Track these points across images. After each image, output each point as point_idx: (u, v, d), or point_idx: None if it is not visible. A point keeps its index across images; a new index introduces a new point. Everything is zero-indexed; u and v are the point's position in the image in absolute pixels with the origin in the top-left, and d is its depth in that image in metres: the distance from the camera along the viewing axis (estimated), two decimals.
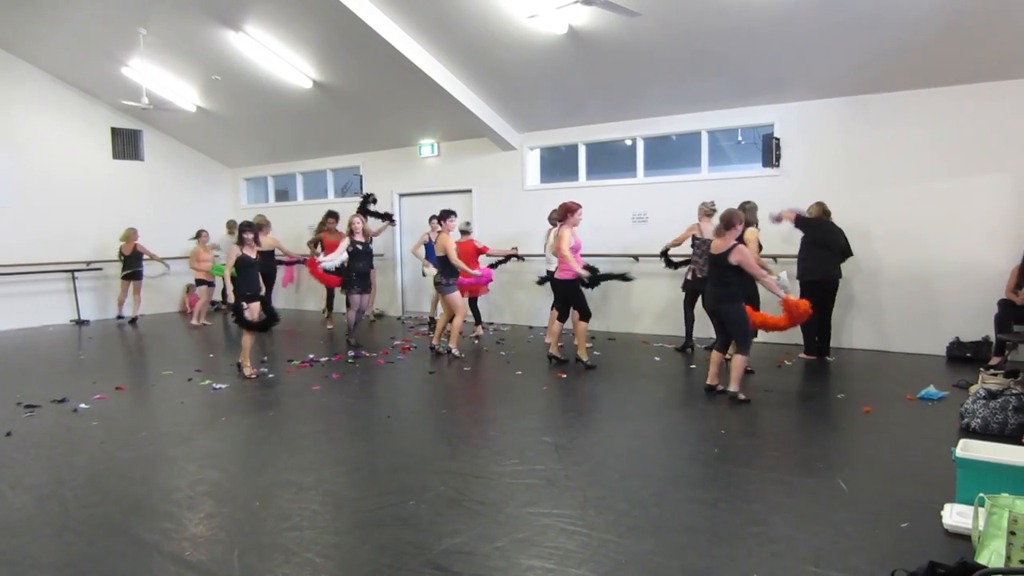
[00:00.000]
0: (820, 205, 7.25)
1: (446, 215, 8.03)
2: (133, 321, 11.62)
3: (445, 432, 5.20)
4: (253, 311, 7.00)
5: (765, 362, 7.20)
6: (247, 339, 7.03)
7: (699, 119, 8.81)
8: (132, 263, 11.44)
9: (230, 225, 12.09)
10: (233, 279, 6.89)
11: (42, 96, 11.38)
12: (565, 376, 6.81)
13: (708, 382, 5.92)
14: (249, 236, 7.02)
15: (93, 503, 3.83)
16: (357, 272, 8.56)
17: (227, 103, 11.32)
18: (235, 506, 3.75)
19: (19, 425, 5.40)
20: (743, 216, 5.82)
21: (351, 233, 8.55)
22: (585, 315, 7.12)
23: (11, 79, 10.96)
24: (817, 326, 7.22)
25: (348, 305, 8.80)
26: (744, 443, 4.70)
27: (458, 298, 7.90)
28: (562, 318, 7.32)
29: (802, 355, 7.41)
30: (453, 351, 7.82)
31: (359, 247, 8.50)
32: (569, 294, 7.13)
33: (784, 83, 7.79)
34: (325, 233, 10.40)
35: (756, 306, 6.40)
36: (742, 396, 5.64)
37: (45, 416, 5.69)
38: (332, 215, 10.58)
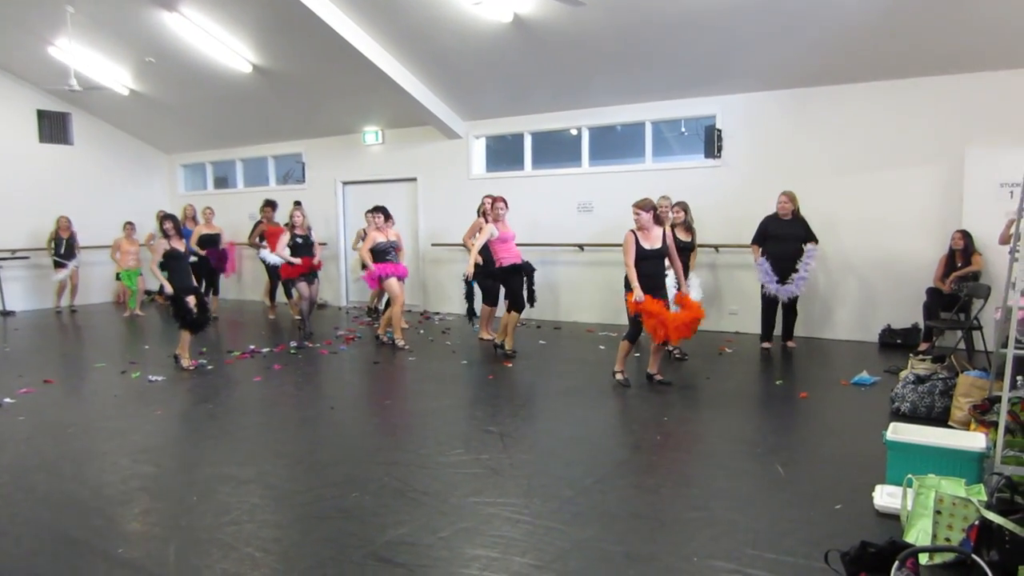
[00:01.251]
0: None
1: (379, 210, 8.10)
2: (74, 311, 11.25)
3: (389, 423, 5.16)
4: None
5: (706, 349, 7.35)
6: (185, 330, 6.82)
7: (643, 110, 8.90)
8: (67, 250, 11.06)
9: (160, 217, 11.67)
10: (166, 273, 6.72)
11: None
12: (511, 366, 6.81)
13: (648, 370, 5.99)
14: (169, 227, 6.82)
15: (17, 501, 3.67)
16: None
17: (162, 86, 10.92)
18: (171, 501, 3.64)
19: None
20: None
21: (292, 227, 8.37)
22: (520, 305, 7.21)
23: None
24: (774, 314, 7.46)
25: (295, 296, 8.63)
26: (686, 430, 4.79)
27: (394, 285, 7.83)
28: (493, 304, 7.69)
29: (762, 344, 7.53)
30: (397, 341, 7.74)
31: (299, 240, 8.34)
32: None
33: (726, 75, 7.92)
34: (264, 223, 10.14)
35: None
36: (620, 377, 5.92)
37: None
38: (270, 204, 10.30)
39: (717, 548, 3.01)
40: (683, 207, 7.20)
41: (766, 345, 7.47)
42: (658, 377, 5.89)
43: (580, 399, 5.63)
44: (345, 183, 11.80)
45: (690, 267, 7.10)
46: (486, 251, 7.33)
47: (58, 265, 11.10)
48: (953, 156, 7.09)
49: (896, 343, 7.35)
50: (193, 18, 8.62)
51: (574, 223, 9.37)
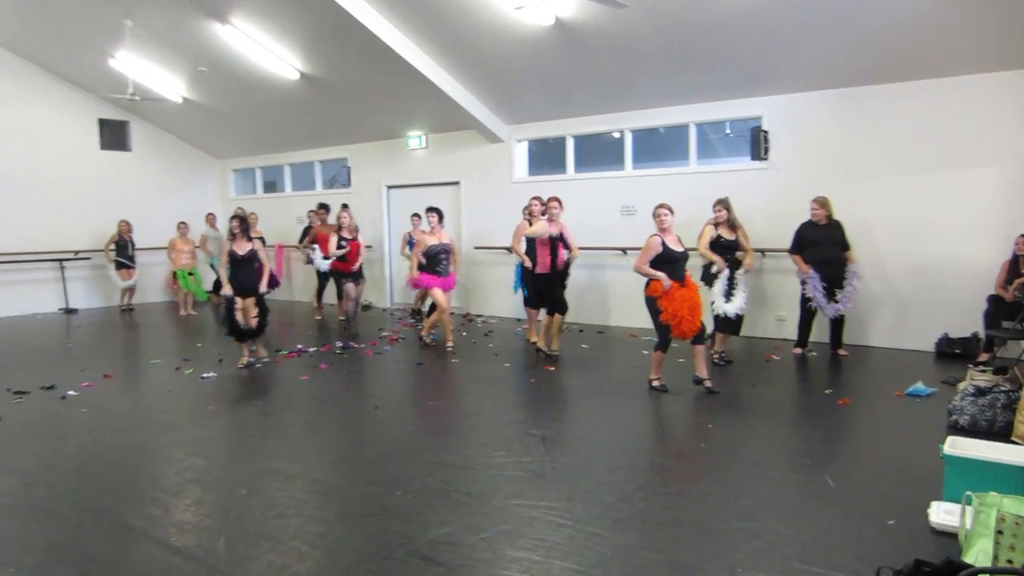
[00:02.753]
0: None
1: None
2: (131, 310, 11.63)
3: (432, 423, 5.20)
4: (246, 309, 6.93)
5: (753, 356, 7.24)
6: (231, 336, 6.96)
7: (687, 112, 8.80)
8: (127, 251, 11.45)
9: (209, 219, 11.99)
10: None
11: (31, 88, 11.35)
12: (553, 369, 6.81)
13: (696, 374, 5.91)
14: (234, 225, 6.98)
15: (80, 488, 3.83)
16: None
17: (215, 94, 11.24)
18: (222, 493, 3.75)
19: (8, 411, 5.39)
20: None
21: (339, 228, 8.48)
22: (562, 308, 7.18)
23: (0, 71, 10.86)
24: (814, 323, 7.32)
25: (342, 296, 8.74)
26: (731, 438, 4.72)
27: (439, 295, 7.88)
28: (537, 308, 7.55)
29: (795, 350, 7.42)
30: (446, 344, 7.81)
31: (344, 243, 8.44)
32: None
33: (773, 75, 7.78)
34: (317, 227, 10.30)
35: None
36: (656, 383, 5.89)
37: (34, 403, 5.67)
38: (322, 207, 10.46)
39: (762, 560, 2.96)
40: (725, 204, 6.97)
41: (798, 351, 7.33)
42: (707, 384, 5.76)
43: (623, 404, 5.60)
44: (389, 187, 11.95)
45: (743, 265, 6.93)
46: (531, 252, 7.29)
47: (120, 267, 11.46)
48: (1017, 156, 6.82)
49: (954, 353, 7.08)
50: (243, 28, 8.85)
51: (617, 226, 9.31)
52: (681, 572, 2.87)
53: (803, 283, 7.15)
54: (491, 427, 4.99)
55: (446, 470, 4.06)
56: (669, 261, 5.68)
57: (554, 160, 10.38)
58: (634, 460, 4.29)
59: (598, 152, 10.21)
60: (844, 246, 7.12)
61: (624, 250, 9.16)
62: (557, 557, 2.99)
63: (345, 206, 8.82)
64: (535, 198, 7.74)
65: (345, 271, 8.52)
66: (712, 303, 6.80)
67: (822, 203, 7.12)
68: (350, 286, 8.56)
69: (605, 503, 3.56)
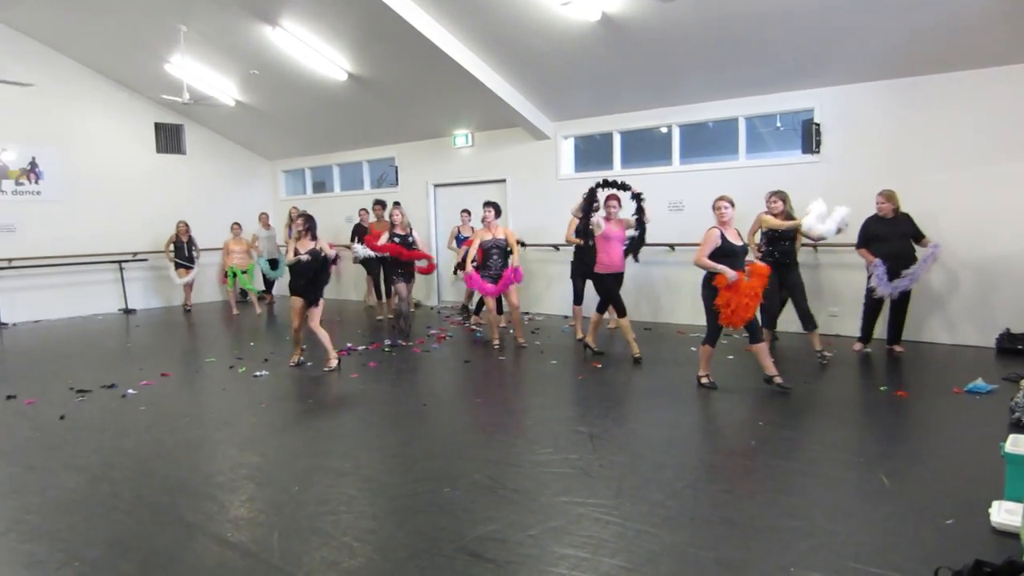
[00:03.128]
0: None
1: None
2: (189, 310, 11.97)
3: (480, 420, 5.24)
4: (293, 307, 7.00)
5: (804, 352, 7.09)
6: (321, 332, 6.99)
7: (736, 105, 8.66)
8: (185, 252, 11.77)
9: (262, 218, 12.25)
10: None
11: (89, 93, 11.73)
12: (600, 366, 6.78)
13: (766, 373, 5.72)
14: (299, 223, 7.12)
15: (140, 484, 3.96)
16: (395, 263, 8.58)
17: (265, 97, 11.48)
18: (275, 490, 3.83)
19: (72, 409, 5.59)
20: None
21: (392, 226, 8.54)
22: (619, 310, 7.03)
23: (60, 77, 11.30)
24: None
25: (390, 294, 8.81)
26: (782, 435, 4.63)
27: (511, 295, 7.85)
28: (601, 309, 7.25)
29: (856, 346, 7.22)
30: (518, 341, 7.85)
31: (396, 239, 8.49)
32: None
33: (825, 67, 7.60)
34: (372, 224, 10.37)
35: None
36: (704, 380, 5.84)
37: (96, 401, 5.88)
38: (379, 203, 10.49)
39: (816, 560, 2.90)
40: (781, 196, 6.84)
41: (858, 347, 7.14)
42: (777, 380, 5.60)
43: (670, 401, 5.55)
44: (436, 185, 12.05)
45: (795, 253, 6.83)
46: (589, 249, 7.16)
47: (179, 267, 11.79)
48: None
49: (1016, 349, 6.83)
50: (292, 31, 9.01)
51: (665, 222, 9.21)
52: (732, 570, 2.84)
53: (870, 276, 6.90)
54: (538, 424, 5.00)
55: (494, 467, 4.08)
56: (728, 255, 5.58)
57: (601, 156, 10.32)
58: (682, 457, 4.25)
59: (645, 147, 10.11)
60: (916, 237, 6.84)
61: (672, 246, 9.07)
62: (605, 554, 2.98)
63: (397, 204, 8.89)
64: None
65: (406, 260, 8.46)
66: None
67: (888, 196, 6.86)
68: (401, 285, 8.57)
69: (653, 500, 3.54)
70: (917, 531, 3.15)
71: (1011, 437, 3.46)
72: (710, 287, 5.67)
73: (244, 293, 12.15)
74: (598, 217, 7.05)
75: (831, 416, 5.07)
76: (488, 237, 7.86)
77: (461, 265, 8.56)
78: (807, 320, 6.75)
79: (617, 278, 7.09)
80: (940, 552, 2.90)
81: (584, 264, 7.47)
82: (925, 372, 6.41)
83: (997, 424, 4.63)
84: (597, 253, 7.01)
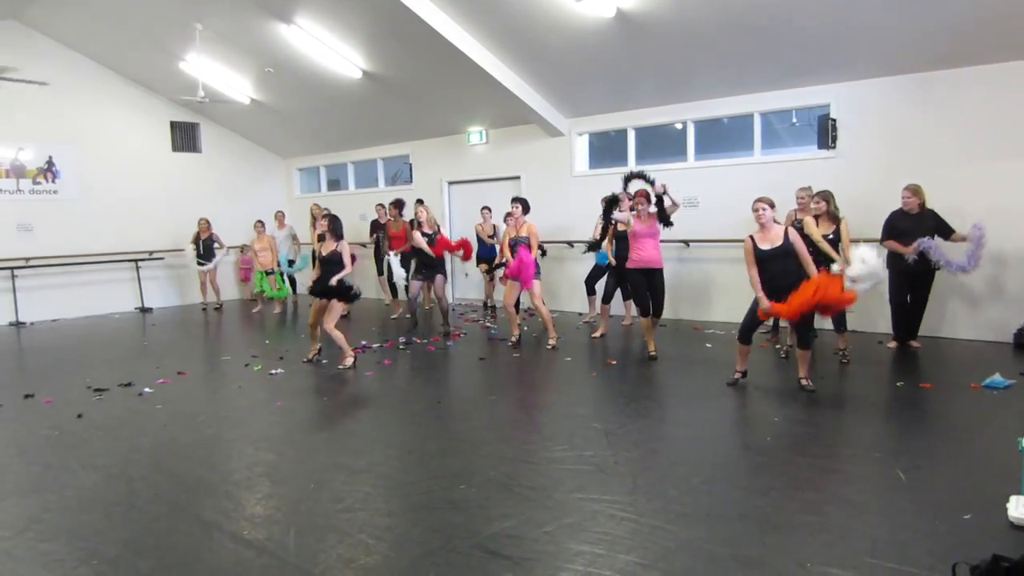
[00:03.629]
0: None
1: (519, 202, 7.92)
2: (218, 308, 11.98)
3: (495, 417, 5.24)
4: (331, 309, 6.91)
5: (820, 348, 7.04)
6: (336, 333, 6.92)
7: (751, 101, 8.60)
8: (206, 250, 11.77)
9: (278, 216, 12.29)
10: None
11: (107, 92, 11.84)
12: (615, 363, 6.77)
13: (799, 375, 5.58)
14: (322, 224, 7.03)
15: (157, 483, 3.99)
16: (422, 261, 8.44)
17: (280, 95, 11.54)
18: (290, 487, 3.86)
19: (89, 408, 5.64)
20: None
21: (419, 224, 8.45)
22: (644, 310, 6.92)
23: (77, 76, 11.41)
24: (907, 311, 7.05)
25: (404, 293, 8.81)
26: (798, 431, 4.61)
27: (535, 289, 7.74)
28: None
29: (891, 344, 7.15)
30: (549, 340, 7.72)
31: (425, 236, 8.43)
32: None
33: (840, 61, 7.53)
34: (389, 223, 10.24)
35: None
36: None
37: (113, 399, 5.94)
38: (395, 203, 10.29)
39: (832, 555, 2.89)
40: (824, 196, 6.55)
41: (893, 344, 7.07)
42: (803, 382, 5.47)
43: (685, 397, 5.54)
44: (451, 183, 12.07)
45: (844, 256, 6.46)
46: (624, 246, 7.10)
47: (199, 263, 11.83)
48: None
49: None
50: (308, 28, 9.04)
51: (679, 218, 9.14)
52: (748, 566, 2.83)
53: (920, 257, 6.60)
54: (553, 421, 5.00)
55: (508, 464, 4.09)
56: (764, 260, 5.38)
57: (615, 153, 10.29)
58: (697, 453, 4.23)
59: (660, 144, 10.07)
60: (944, 233, 6.70)
61: (687, 242, 9.03)
62: (621, 551, 2.98)
63: (420, 201, 8.83)
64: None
65: (437, 257, 8.34)
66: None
67: (914, 191, 6.73)
68: (416, 283, 8.57)
69: (668, 496, 3.53)
70: (934, 526, 3.13)
71: None
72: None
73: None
74: (626, 215, 6.99)
75: (847, 412, 5.04)
76: (513, 234, 7.82)
77: (496, 266, 8.63)
78: (839, 323, 6.56)
79: (649, 274, 6.89)
80: (957, 547, 2.88)
81: (619, 261, 7.39)
82: (943, 368, 6.36)
83: (1015, 419, 4.59)
84: (629, 250, 6.96)
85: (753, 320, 5.59)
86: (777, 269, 5.36)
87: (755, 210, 5.47)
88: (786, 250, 5.38)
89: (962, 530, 3.08)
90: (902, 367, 6.40)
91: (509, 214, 8.02)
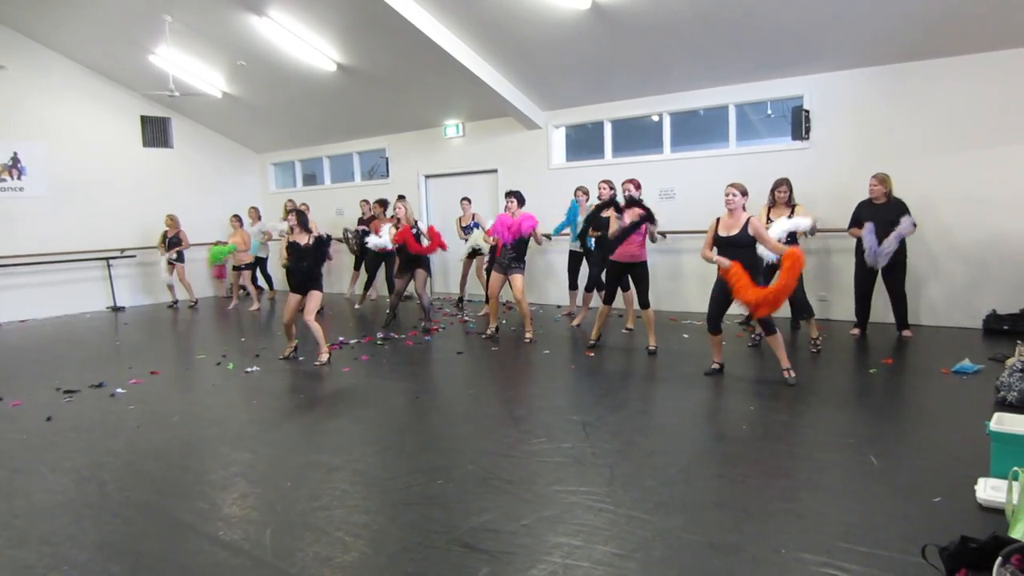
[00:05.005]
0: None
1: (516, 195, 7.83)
2: (192, 305, 11.87)
3: (473, 412, 5.23)
4: (289, 303, 6.95)
5: (794, 337, 7.11)
6: (315, 326, 6.88)
7: (726, 93, 8.66)
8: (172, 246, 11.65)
9: (251, 213, 12.14)
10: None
11: (74, 86, 11.59)
12: (592, 355, 6.79)
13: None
14: (292, 220, 6.96)
15: (130, 484, 3.93)
16: (405, 257, 8.46)
17: (253, 88, 11.40)
18: (266, 486, 3.82)
19: (58, 409, 5.55)
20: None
21: (397, 221, 8.43)
22: (609, 299, 6.97)
23: (44, 70, 11.17)
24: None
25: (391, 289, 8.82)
26: (773, 419, 4.66)
27: (517, 281, 7.73)
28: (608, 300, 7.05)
29: (853, 331, 7.26)
30: (526, 335, 7.72)
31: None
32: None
33: (814, 54, 7.60)
34: (375, 221, 10.40)
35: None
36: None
37: (83, 401, 5.84)
38: (379, 202, 10.54)
39: (806, 540, 2.93)
40: (786, 184, 6.78)
41: (854, 332, 7.17)
42: (785, 375, 5.46)
43: (662, 388, 5.57)
44: (427, 176, 12.02)
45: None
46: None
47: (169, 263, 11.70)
48: None
49: (1002, 329, 6.91)
50: (280, 21, 8.94)
51: (656, 210, 9.18)
52: (724, 554, 2.85)
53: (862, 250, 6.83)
54: (531, 414, 5.00)
55: (487, 458, 4.08)
56: (720, 245, 5.53)
57: (592, 145, 10.31)
58: (674, 444, 4.26)
59: (636, 136, 10.10)
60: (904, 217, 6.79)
61: (663, 234, 9.04)
62: (599, 541, 2.99)
63: (401, 197, 8.86)
64: (603, 181, 7.73)
65: (414, 253, 8.38)
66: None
67: (881, 179, 6.84)
68: (399, 280, 8.60)
69: (646, 487, 3.55)
70: (905, 509, 3.18)
71: (996, 415, 3.56)
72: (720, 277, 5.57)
73: (243, 287, 12.02)
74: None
75: (820, 399, 5.09)
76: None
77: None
78: (803, 308, 6.67)
79: (631, 267, 6.90)
80: (927, 529, 2.93)
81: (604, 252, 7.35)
82: (915, 354, 6.45)
83: (983, 403, 4.69)
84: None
85: (717, 307, 5.66)
86: (731, 257, 5.42)
87: (725, 194, 5.54)
88: (743, 241, 5.46)
89: (932, 513, 3.13)
90: (874, 354, 6.48)
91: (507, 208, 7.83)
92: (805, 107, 8.01)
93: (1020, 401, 4.56)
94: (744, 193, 5.53)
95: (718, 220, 5.61)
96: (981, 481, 3.26)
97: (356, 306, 10.65)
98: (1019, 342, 5.59)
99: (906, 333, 7.07)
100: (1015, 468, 2.95)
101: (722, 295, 5.61)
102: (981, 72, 7.01)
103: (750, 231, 5.44)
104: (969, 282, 7.30)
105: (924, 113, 7.37)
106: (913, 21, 6.72)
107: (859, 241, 6.96)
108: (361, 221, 11.14)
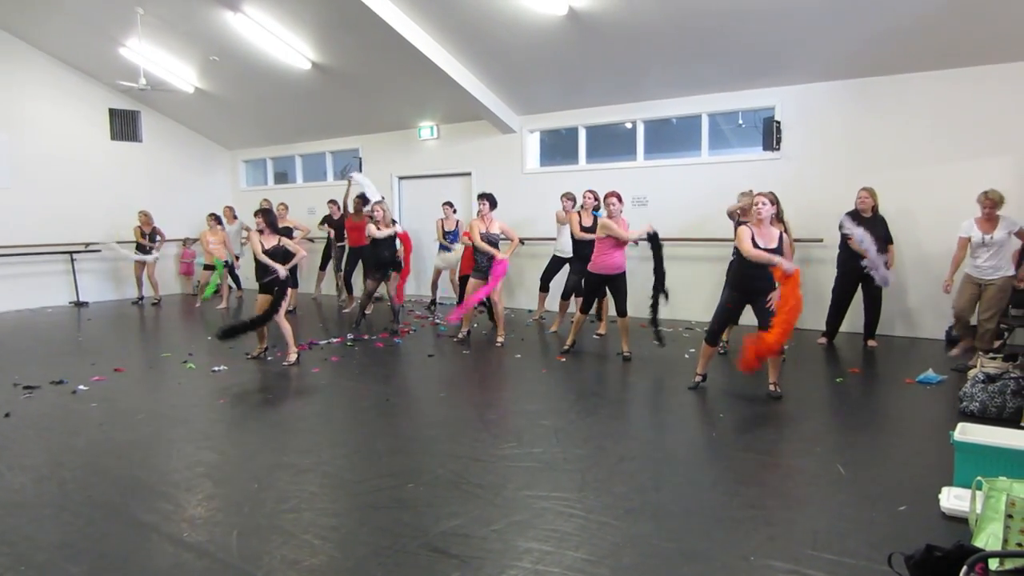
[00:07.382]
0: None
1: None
2: (156, 303, 11.65)
3: (444, 415, 5.20)
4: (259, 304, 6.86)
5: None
6: (285, 325, 6.81)
7: (700, 102, 8.75)
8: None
9: (227, 212, 11.94)
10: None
11: (41, 77, 11.30)
12: (564, 360, 6.80)
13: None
14: (259, 221, 6.84)
15: (91, 484, 3.83)
16: (377, 259, 8.43)
17: (225, 84, 11.24)
18: (233, 488, 3.75)
19: (18, 406, 5.40)
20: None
21: (375, 222, 8.35)
22: (585, 308, 6.98)
23: (10, 60, 10.88)
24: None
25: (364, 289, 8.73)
26: (742, 427, 4.71)
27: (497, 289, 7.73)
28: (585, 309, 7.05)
29: (820, 340, 7.37)
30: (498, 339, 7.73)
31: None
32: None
33: (786, 65, 7.73)
34: (349, 216, 10.35)
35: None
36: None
37: (44, 398, 5.69)
38: (359, 198, 10.31)
39: (774, 548, 2.95)
40: (771, 198, 6.69)
41: (823, 341, 7.27)
42: (771, 388, 5.36)
43: (634, 394, 5.60)
44: (401, 178, 11.95)
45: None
46: (588, 244, 7.07)
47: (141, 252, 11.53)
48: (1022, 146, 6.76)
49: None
50: (255, 17, 8.83)
51: (628, 217, 9.22)
52: (694, 561, 2.86)
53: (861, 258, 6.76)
54: (502, 418, 4.99)
55: (457, 462, 4.06)
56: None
57: (566, 151, 10.34)
58: (645, 450, 4.27)
59: (610, 143, 10.16)
60: (886, 241, 6.94)
61: (636, 241, 9.07)
62: (569, 547, 2.99)
63: (380, 199, 8.79)
64: (588, 191, 7.69)
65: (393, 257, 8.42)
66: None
67: (871, 193, 6.93)
68: (371, 282, 8.54)
69: (617, 493, 3.56)
70: (871, 518, 3.22)
71: (960, 425, 3.63)
72: (735, 283, 5.37)
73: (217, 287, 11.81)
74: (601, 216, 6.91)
75: (789, 408, 5.15)
76: (483, 230, 7.58)
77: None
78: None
79: (610, 279, 6.83)
80: (893, 537, 2.98)
81: (582, 262, 7.31)
82: (881, 364, 6.57)
83: (947, 413, 4.80)
84: (594, 254, 6.85)
85: (723, 321, 5.55)
86: (758, 269, 5.19)
87: (755, 203, 5.23)
88: (777, 252, 5.15)
89: (898, 521, 3.18)
90: (841, 364, 6.59)
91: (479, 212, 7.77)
92: (776, 118, 8.13)
93: (982, 411, 4.68)
94: (774, 202, 5.27)
95: (750, 229, 5.21)
96: (945, 490, 3.32)
97: (345, 310, 10.40)
98: (980, 353, 5.73)
99: (871, 343, 7.19)
100: (978, 477, 3.00)
101: (737, 309, 5.41)
102: (948, 88, 7.19)
103: (784, 246, 5.25)
104: (935, 293, 7.41)
105: (893, 126, 7.52)
106: (881, 37, 6.87)
107: (841, 251, 7.05)
108: (329, 222, 11.01)
